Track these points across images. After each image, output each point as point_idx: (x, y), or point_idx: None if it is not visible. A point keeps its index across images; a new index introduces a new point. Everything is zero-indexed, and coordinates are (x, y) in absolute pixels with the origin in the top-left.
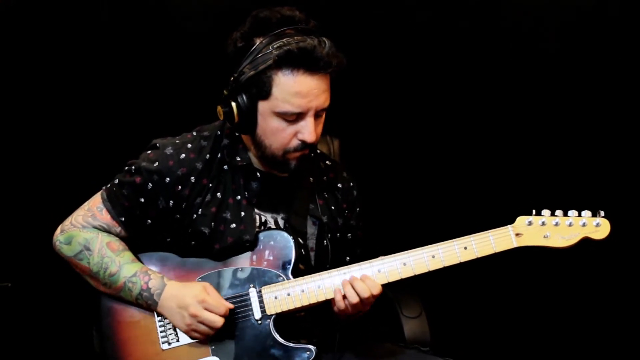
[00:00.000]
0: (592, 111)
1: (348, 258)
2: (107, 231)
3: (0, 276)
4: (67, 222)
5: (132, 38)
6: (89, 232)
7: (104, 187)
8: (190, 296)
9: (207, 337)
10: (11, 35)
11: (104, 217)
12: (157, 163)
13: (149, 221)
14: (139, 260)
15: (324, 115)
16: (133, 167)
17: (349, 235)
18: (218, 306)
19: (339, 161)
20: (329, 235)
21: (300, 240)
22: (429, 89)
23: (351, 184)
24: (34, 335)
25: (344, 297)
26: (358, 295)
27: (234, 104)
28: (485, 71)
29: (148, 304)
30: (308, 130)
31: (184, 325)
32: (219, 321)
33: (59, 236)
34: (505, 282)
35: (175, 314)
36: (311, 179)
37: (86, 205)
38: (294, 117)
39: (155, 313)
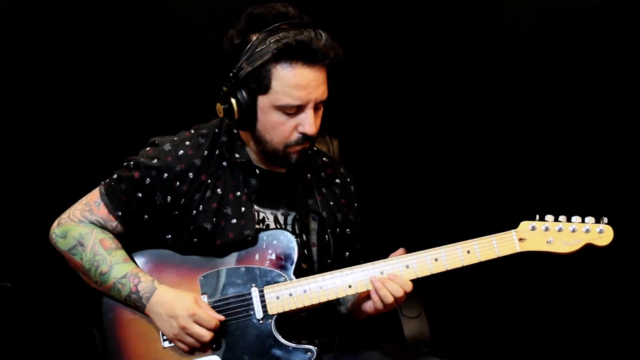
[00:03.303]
0: (597, 117)
1: (347, 254)
2: (103, 226)
3: (0, 276)
4: (64, 215)
5: (129, 38)
6: (84, 227)
7: (102, 182)
8: (181, 307)
9: (191, 349)
10: (11, 34)
11: (101, 212)
12: (155, 159)
13: (146, 217)
14: (133, 259)
15: (322, 109)
16: (132, 163)
17: (348, 230)
18: (209, 320)
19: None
20: (329, 230)
21: (304, 237)
22: (431, 90)
23: (348, 179)
24: (34, 335)
25: (380, 298)
26: (392, 294)
27: (233, 100)
28: (489, 73)
29: (136, 306)
30: (308, 122)
31: (170, 334)
32: (207, 336)
33: (55, 229)
34: (505, 283)
35: (163, 321)
36: (309, 175)
37: (84, 200)
38: (294, 110)
39: None
